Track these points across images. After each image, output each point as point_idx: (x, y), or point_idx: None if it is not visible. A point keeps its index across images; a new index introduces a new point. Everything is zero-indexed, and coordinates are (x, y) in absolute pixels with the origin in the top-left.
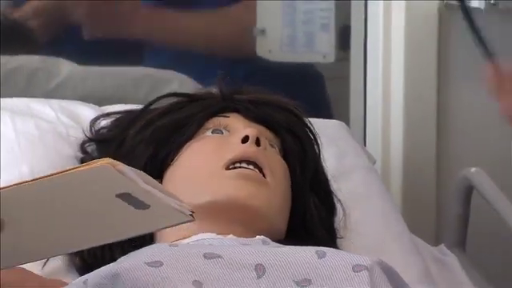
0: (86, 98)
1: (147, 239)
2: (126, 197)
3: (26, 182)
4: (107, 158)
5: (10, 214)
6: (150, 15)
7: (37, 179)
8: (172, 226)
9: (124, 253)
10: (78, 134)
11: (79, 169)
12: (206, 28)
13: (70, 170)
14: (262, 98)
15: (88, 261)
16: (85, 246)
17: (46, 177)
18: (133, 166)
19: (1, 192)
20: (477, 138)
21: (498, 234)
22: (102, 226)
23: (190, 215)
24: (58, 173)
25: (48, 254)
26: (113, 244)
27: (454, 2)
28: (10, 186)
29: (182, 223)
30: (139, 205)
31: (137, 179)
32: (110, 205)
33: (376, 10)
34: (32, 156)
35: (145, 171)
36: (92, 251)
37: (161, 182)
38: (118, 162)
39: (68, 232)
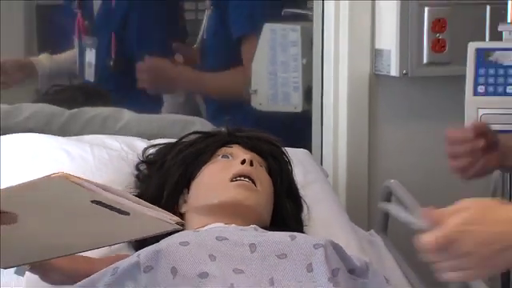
0: (140, 135)
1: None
2: (100, 203)
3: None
4: (62, 172)
5: (14, 209)
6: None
7: (12, 186)
8: (160, 234)
9: (164, 236)
10: (134, 158)
11: (37, 179)
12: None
13: (33, 180)
14: (254, 135)
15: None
16: (88, 249)
17: (18, 185)
18: (169, 181)
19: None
20: (396, 159)
21: (407, 224)
22: (98, 231)
23: (176, 223)
24: (27, 182)
25: (50, 254)
26: None
27: (379, 72)
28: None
29: (169, 231)
30: (119, 210)
31: (94, 188)
32: (92, 210)
33: (329, 76)
34: (104, 173)
35: (177, 184)
36: None
37: (188, 190)
38: (72, 175)
39: (66, 235)
